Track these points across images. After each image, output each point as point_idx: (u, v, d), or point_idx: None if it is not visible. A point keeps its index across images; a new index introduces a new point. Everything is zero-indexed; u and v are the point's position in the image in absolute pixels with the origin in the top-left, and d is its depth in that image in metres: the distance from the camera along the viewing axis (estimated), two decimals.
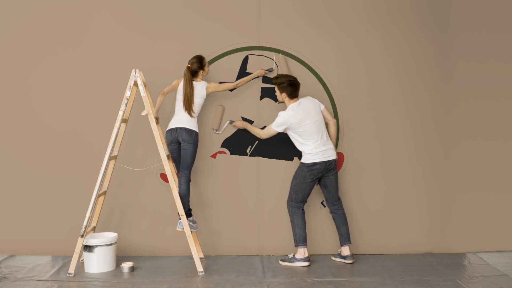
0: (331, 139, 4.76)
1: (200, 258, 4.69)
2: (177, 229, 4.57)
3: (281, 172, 4.97)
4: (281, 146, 4.95)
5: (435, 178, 5.03)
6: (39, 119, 4.93)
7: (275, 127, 4.63)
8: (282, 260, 4.74)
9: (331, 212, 4.81)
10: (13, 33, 4.91)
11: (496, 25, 5.02)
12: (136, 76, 4.51)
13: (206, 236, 4.97)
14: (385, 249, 5.00)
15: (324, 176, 4.69)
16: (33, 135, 4.92)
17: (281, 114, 4.63)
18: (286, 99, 4.67)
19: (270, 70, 4.89)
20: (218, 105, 4.89)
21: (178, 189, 4.56)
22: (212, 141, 4.96)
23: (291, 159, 4.99)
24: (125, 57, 4.89)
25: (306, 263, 4.63)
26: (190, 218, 4.64)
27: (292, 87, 4.63)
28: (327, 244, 4.97)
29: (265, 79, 4.96)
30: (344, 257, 4.73)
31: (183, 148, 4.57)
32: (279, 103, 4.81)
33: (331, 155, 4.66)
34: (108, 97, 4.87)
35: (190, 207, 4.76)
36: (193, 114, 4.58)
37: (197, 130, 4.60)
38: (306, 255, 4.64)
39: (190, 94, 4.56)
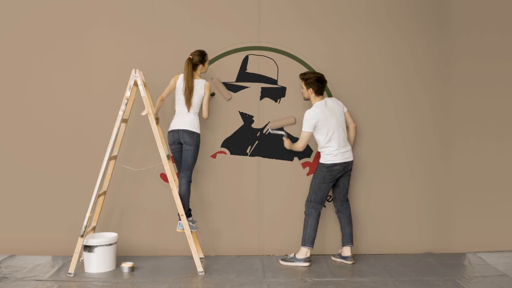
0: (349, 142, 4.77)
1: (200, 258, 4.69)
2: (177, 230, 4.57)
3: (281, 172, 4.98)
4: (281, 146, 4.95)
5: (435, 178, 5.03)
6: (39, 119, 4.93)
7: (307, 130, 4.60)
8: (282, 259, 4.74)
9: (338, 211, 4.81)
10: (13, 33, 4.91)
11: (495, 26, 5.01)
12: (136, 76, 4.51)
13: (206, 236, 4.97)
14: (385, 249, 5.00)
15: (341, 175, 4.70)
16: (33, 135, 4.92)
17: (307, 112, 4.61)
18: (312, 96, 4.66)
19: (213, 95, 4.86)
20: (292, 117, 4.93)
21: (178, 189, 4.56)
22: (212, 141, 4.96)
23: (291, 159, 4.99)
24: (125, 57, 4.89)
25: (307, 264, 4.63)
26: (190, 218, 4.64)
27: (319, 83, 4.63)
28: (327, 244, 4.97)
29: (265, 79, 4.96)
30: (345, 258, 4.73)
31: (185, 149, 4.58)
32: (305, 100, 4.76)
33: (349, 157, 4.67)
34: (108, 97, 4.87)
35: (190, 207, 4.76)
36: (190, 109, 4.57)
37: (198, 132, 4.60)
38: (308, 255, 4.65)
39: (191, 86, 4.54)
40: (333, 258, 4.84)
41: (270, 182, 4.99)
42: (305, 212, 4.73)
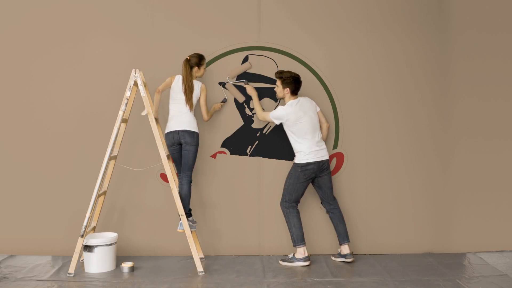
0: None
1: (200, 258, 4.69)
2: (178, 230, 4.57)
3: (281, 172, 4.97)
4: (281, 146, 4.95)
5: (435, 178, 5.03)
6: (38, 119, 4.92)
7: (272, 118, 4.67)
8: (282, 260, 4.74)
9: (328, 211, 4.82)
10: (13, 33, 4.91)
11: (494, 24, 5.01)
12: (136, 76, 4.51)
13: (206, 236, 4.97)
14: (385, 249, 5.00)
15: (317, 176, 4.70)
16: (33, 135, 4.92)
17: (280, 108, 4.66)
18: (288, 95, 4.68)
19: (224, 101, 4.88)
20: (247, 62, 4.88)
21: (179, 189, 4.56)
22: (212, 141, 4.96)
23: (291, 159, 4.99)
24: (125, 57, 4.89)
25: (306, 263, 4.63)
26: (190, 218, 4.64)
27: (296, 84, 4.66)
28: (326, 244, 4.97)
29: (265, 79, 4.96)
30: (344, 256, 4.73)
31: (185, 150, 4.58)
32: (278, 98, 4.82)
33: (323, 156, 4.69)
34: (108, 97, 4.87)
35: (190, 207, 4.76)
36: (192, 108, 4.60)
37: (198, 131, 4.61)
38: (306, 254, 4.65)
39: (192, 85, 4.57)
40: (333, 258, 4.84)
41: (270, 182, 4.99)
42: (284, 214, 4.73)
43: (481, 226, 5.03)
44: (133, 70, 4.51)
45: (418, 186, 5.03)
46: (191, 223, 4.61)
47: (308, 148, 4.63)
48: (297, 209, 4.73)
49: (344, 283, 4.20)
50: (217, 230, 4.99)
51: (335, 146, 4.99)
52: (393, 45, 4.99)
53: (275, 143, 4.97)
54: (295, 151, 4.72)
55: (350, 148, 5.00)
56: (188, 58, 4.62)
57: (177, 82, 4.61)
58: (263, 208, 5.00)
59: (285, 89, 4.67)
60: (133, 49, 4.90)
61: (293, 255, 4.70)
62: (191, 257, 4.58)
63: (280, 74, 4.68)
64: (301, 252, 4.65)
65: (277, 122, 4.68)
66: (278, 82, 4.70)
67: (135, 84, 4.53)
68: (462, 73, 5.01)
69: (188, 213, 4.64)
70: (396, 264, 4.68)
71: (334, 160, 4.99)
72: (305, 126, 4.63)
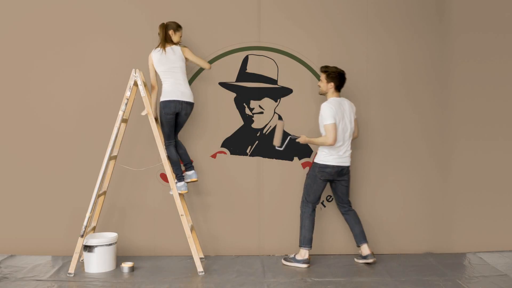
0: None
1: (200, 258, 4.69)
2: (183, 191, 4.59)
3: (281, 172, 4.98)
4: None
5: (435, 178, 5.03)
6: (39, 119, 4.93)
7: (330, 121, 4.44)
8: (284, 258, 4.73)
9: (343, 213, 4.78)
10: (13, 33, 4.91)
11: (495, 25, 5.02)
12: (136, 76, 4.51)
13: (206, 236, 4.97)
14: (385, 249, 5.00)
15: (335, 180, 4.64)
16: (33, 135, 4.92)
17: (325, 108, 4.50)
18: (331, 90, 4.58)
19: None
20: (278, 120, 4.80)
21: (169, 155, 4.57)
22: (212, 141, 4.96)
23: (291, 159, 4.99)
24: (125, 57, 4.89)
25: (304, 265, 4.60)
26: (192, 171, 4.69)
27: (341, 79, 4.57)
28: (326, 244, 4.97)
29: (265, 79, 4.96)
30: (365, 257, 4.65)
31: (181, 119, 4.61)
32: (320, 94, 4.69)
33: (345, 162, 4.59)
34: (108, 97, 4.87)
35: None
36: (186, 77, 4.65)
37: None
38: (306, 257, 4.62)
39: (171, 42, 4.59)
40: (356, 260, 4.77)
41: (270, 182, 4.99)
42: (300, 213, 4.72)
43: (481, 226, 5.03)
44: (133, 70, 4.51)
45: (418, 186, 5.03)
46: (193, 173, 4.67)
47: (332, 149, 4.53)
48: (313, 210, 4.66)
49: (344, 283, 4.20)
50: (217, 230, 4.99)
51: None
52: (393, 46, 4.99)
53: None
54: (319, 150, 4.63)
55: (351, 148, 4.99)
56: (165, 23, 4.59)
57: (158, 54, 4.52)
58: (263, 208, 5.00)
59: (329, 84, 4.56)
60: (133, 49, 4.90)
61: (294, 255, 4.69)
62: (191, 257, 4.59)
63: (326, 68, 4.59)
64: (302, 254, 4.63)
65: (334, 120, 4.45)
66: (322, 77, 4.59)
67: (135, 84, 4.53)
68: (463, 73, 5.01)
69: (190, 166, 4.69)
70: (396, 264, 4.68)
71: None
72: (339, 128, 4.51)
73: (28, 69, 4.92)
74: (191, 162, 4.70)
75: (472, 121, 5.03)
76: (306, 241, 4.63)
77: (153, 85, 4.57)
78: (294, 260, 4.66)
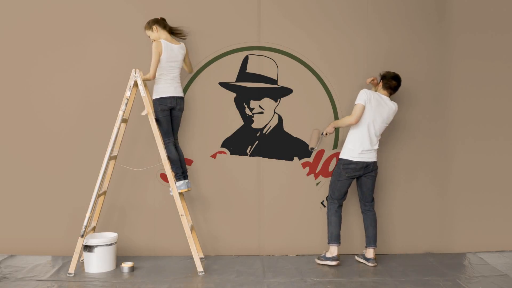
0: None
1: (200, 258, 4.69)
2: (183, 190, 4.57)
3: (281, 172, 4.98)
4: (281, 146, 4.95)
5: (435, 179, 5.03)
6: (38, 119, 4.92)
7: (360, 101, 4.49)
8: (317, 258, 4.72)
9: (362, 211, 4.77)
10: (13, 33, 4.91)
11: (495, 25, 5.02)
12: (136, 76, 4.51)
13: (206, 236, 4.97)
14: (385, 249, 5.00)
15: (361, 175, 4.63)
16: (33, 135, 4.92)
17: (365, 89, 4.55)
18: (380, 86, 4.64)
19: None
20: (315, 129, 4.79)
21: (169, 154, 4.55)
22: (212, 141, 4.96)
23: (291, 159, 4.99)
24: (125, 57, 4.89)
25: (333, 263, 4.59)
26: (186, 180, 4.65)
27: (395, 83, 4.59)
28: (326, 244, 4.96)
29: (265, 79, 4.96)
30: (367, 259, 4.67)
31: (176, 116, 4.64)
32: (375, 90, 4.72)
33: (371, 157, 4.58)
34: (108, 97, 4.87)
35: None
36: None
37: None
38: (335, 254, 4.60)
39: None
40: (356, 257, 4.79)
41: (270, 182, 4.99)
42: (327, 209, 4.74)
43: (481, 226, 5.03)
44: (133, 70, 4.51)
45: (418, 186, 5.03)
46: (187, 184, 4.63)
47: (357, 143, 4.52)
48: (339, 206, 4.66)
49: (344, 283, 4.20)
50: (217, 230, 4.99)
51: (335, 146, 4.99)
52: (393, 46, 4.99)
53: (275, 143, 4.97)
54: (344, 145, 4.63)
55: None
56: (158, 18, 4.62)
57: (169, 48, 4.53)
58: (263, 208, 5.00)
59: (385, 91, 4.62)
60: (132, 49, 4.90)
61: (325, 253, 4.68)
62: (191, 257, 4.59)
63: (386, 72, 4.65)
64: (331, 251, 4.62)
65: (364, 102, 4.48)
66: (380, 83, 4.66)
67: (135, 84, 4.53)
68: (463, 73, 5.01)
69: (185, 175, 4.67)
70: (396, 264, 4.68)
71: (334, 160, 4.98)
72: (371, 123, 4.50)
73: (28, 69, 4.92)
74: (185, 171, 4.68)
75: (472, 121, 5.03)
76: (334, 237, 4.62)
77: (155, 76, 4.51)
78: (324, 258, 4.65)
